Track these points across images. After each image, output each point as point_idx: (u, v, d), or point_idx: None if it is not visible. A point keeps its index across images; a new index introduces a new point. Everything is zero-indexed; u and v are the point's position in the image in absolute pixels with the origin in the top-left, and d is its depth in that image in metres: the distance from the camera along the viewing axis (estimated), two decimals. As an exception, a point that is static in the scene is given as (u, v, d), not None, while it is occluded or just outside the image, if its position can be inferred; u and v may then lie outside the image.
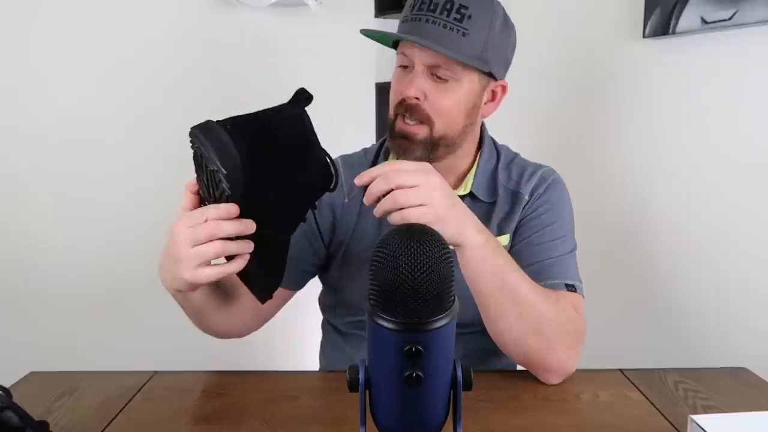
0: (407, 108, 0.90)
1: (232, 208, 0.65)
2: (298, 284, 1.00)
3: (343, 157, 1.06)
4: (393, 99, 0.93)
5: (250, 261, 0.71)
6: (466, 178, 0.98)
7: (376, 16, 1.96)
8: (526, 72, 1.66)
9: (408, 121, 0.90)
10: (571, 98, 1.62)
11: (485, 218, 0.96)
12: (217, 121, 0.67)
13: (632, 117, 1.49)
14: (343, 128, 1.87)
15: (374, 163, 1.03)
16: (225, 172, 0.64)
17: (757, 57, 1.24)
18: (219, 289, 0.85)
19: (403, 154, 0.92)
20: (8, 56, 1.60)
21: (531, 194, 0.96)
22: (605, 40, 1.51)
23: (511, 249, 0.95)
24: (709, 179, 1.35)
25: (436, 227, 0.64)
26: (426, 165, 0.75)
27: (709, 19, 1.25)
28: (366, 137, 1.14)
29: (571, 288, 0.89)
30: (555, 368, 0.83)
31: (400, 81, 0.92)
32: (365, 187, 0.99)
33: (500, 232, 0.95)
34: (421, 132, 0.90)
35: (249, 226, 0.67)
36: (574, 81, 1.60)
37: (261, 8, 1.68)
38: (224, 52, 1.71)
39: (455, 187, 0.97)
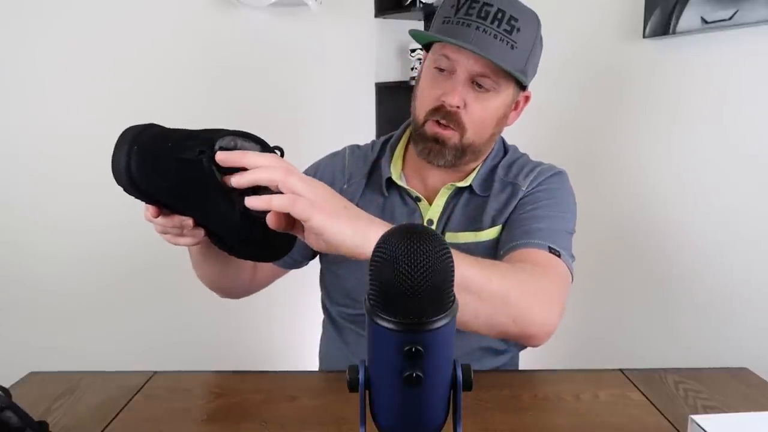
0: (445, 114, 0.89)
1: (150, 209, 0.70)
2: (288, 266, 1.03)
3: (352, 147, 1.07)
4: (427, 102, 0.91)
5: (218, 243, 0.75)
6: (471, 173, 0.98)
7: (376, 16, 1.97)
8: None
9: (441, 122, 0.90)
10: (572, 98, 1.62)
11: (479, 211, 0.96)
12: (140, 129, 0.67)
13: (632, 116, 1.49)
14: (342, 127, 1.87)
15: (378, 159, 1.04)
16: (120, 186, 0.67)
17: (757, 57, 1.24)
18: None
19: (433, 157, 0.92)
20: (6, 57, 1.60)
21: (529, 185, 0.96)
22: (605, 40, 1.51)
23: (502, 229, 0.94)
24: (709, 179, 1.35)
25: (329, 227, 0.60)
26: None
27: (709, 19, 1.25)
28: (365, 136, 1.14)
29: (554, 252, 0.85)
30: (536, 333, 0.77)
31: (438, 85, 0.90)
32: (369, 178, 1.01)
33: (492, 224, 0.95)
34: (453, 137, 0.90)
35: (174, 221, 0.70)
36: (574, 81, 1.60)
37: (261, 8, 1.68)
38: (224, 52, 1.71)
39: (460, 180, 0.98)
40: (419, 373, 0.43)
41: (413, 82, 1.00)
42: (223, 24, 1.69)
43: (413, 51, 1.99)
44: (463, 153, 0.92)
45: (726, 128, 1.31)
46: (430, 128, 0.91)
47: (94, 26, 1.62)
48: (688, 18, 1.29)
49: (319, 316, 1.12)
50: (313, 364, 1.15)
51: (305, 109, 1.80)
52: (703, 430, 0.61)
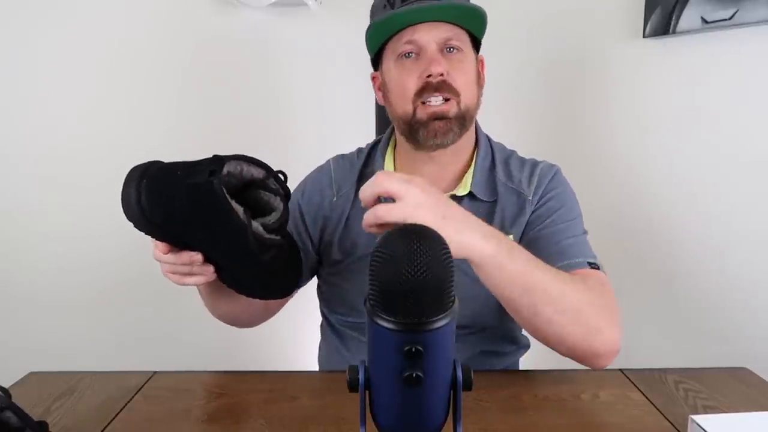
0: (436, 87, 0.89)
1: (160, 245, 0.72)
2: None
3: (336, 158, 1.08)
4: (410, 89, 0.91)
5: (227, 280, 0.77)
6: (464, 178, 0.97)
7: (376, 15, 1.97)
8: (526, 71, 1.66)
9: (433, 101, 0.90)
10: (572, 98, 1.62)
11: (487, 218, 0.95)
12: (147, 165, 0.70)
13: (632, 116, 1.49)
14: (342, 128, 1.87)
15: (365, 164, 1.04)
16: (131, 222, 0.69)
17: (757, 57, 1.24)
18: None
19: (441, 137, 0.91)
20: (5, 58, 1.60)
21: (534, 194, 0.95)
22: (605, 40, 1.51)
23: (523, 243, 0.93)
24: (708, 178, 1.35)
25: None
26: (416, 178, 0.69)
27: (709, 19, 1.25)
28: (365, 137, 1.14)
29: (593, 266, 0.86)
30: (603, 351, 0.78)
31: (412, 69, 0.91)
32: (358, 187, 1.01)
33: (502, 230, 0.94)
34: (451, 108, 0.91)
35: (183, 258, 0.72)
36: (574, 80, 1.60)
37: (261, 8, 1.67)
38: (224, 51, 1.71)
39: (454, 186, 0.97)
40: (419, 373, 0.43)
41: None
42: (222, 24, 1.69)
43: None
44: (464, 121, 0.92)
45: (726, 128, 1.31)
46: (424, 111, 0.91)
47: (92, 27, 1.62)
48: (688, 18, 1.29)
49: (320, 317, 1.12)
50: (313, 365, 1.15)
51: (305, 109, 1.80)
52: (703, 430, 0.61)
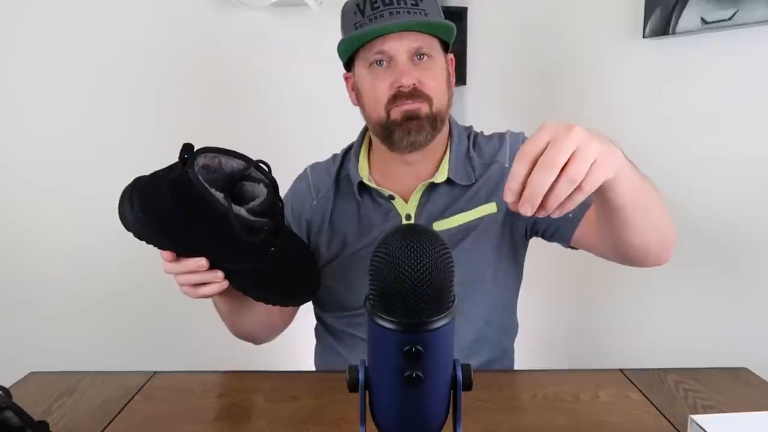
0: (408, 95, 0.90)
1: (165, 255, 0.75)
2: None
3: (312, 165, 1.10)
4: (382, 96, 0.92)
5: (239, 284, 0.79)
6: (441, 165, 0.98)
7: (376, 16, 1.96)
8: (525, 71, 1.66)
9: (406, 102, 0.91)
10: (571, 98, 1.62)
11: (457, 200, 0.97)
12: (136, 179, 0.75)
13: (632, 117, 1.49)
14: (342, 127, 1.87)
15: (340, 169, 1.05)
16: (132, 234, 0.73)
17: (757, 57, 1.24)
18: (233, 295, 0.87)
19: (415, 135, 0.92)
20: (4, 58, 1.59)
21: (510, 159, 0.97)
22: (605, 40, 1.50)
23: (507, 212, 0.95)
24: (708, 179, 1.35)
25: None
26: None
27: (709, 19, 1.25)
28: (366, 137, 1.15)
29: None
30: (673, 248, 0.86)
31: (384, 77, 0.92)
32: (337, 189, 1.03)
33: (487, 200, 0.96)
34: (424, 107, 0.92)
35: (189, 265, 0.75)
36: (573, 81, 1.60)
37: (261, 8, 1.67)
38: (224, 52, 1.71)
39: (432, 174, 0.98)
40: (419, 373, 0.43)
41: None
42: (222, 24, 1.69)
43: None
44: (435, 122, 0.93)
45: (726, 128, 1.31)
46: (398, 110, 0.92)
47: (93, 28, 1.62)
48: (688, 18, 1.29)
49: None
50: (312, 365, 1.15)
51: (305, 109, 1.80)
52: (703, 430, 0.61)
